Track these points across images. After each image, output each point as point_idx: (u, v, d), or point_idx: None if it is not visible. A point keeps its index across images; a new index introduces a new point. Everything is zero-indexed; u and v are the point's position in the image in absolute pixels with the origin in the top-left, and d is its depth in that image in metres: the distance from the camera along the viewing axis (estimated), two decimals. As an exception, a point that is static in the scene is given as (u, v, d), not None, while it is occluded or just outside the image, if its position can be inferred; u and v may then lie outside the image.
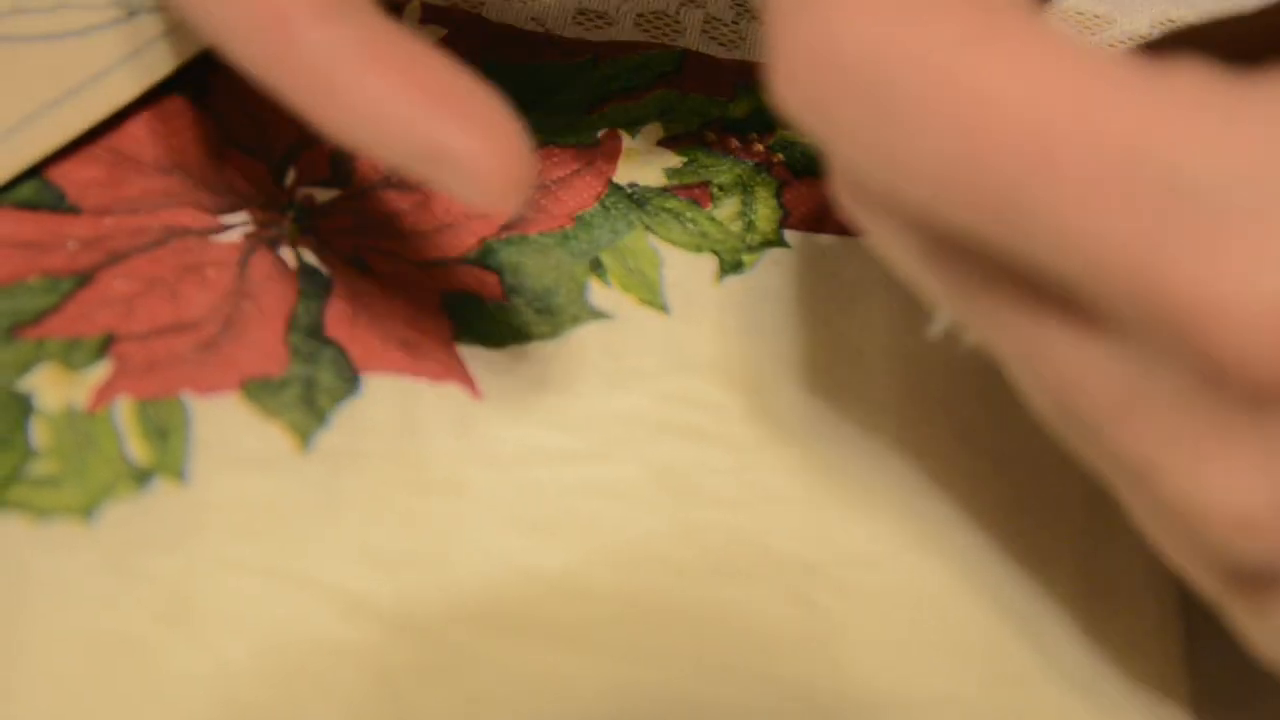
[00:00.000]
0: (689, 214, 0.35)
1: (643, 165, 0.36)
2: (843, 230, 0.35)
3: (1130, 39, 0.38)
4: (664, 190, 0.35)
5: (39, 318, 0.32)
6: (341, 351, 0.33)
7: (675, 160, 0.36)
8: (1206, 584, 0.25)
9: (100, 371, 0.32)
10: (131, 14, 0.36)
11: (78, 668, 0.28)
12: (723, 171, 0.36)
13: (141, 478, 0.31)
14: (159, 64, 0.35)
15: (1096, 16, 0.38)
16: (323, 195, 0.35)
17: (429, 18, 0.37)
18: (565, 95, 0.37)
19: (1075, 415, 0.23)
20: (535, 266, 0.34)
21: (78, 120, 0.34)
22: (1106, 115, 0.21)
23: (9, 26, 0.35)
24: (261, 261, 0.34)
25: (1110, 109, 0.21)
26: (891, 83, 0.22)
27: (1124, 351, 0.22)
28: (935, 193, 0.22)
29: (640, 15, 0.38)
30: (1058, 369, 0.23)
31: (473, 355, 0.33)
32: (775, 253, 0.35)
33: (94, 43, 0.35)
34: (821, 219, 0.35)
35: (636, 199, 0.35)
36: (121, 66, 0.35)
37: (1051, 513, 0.31)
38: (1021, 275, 0.23)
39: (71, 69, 0.35)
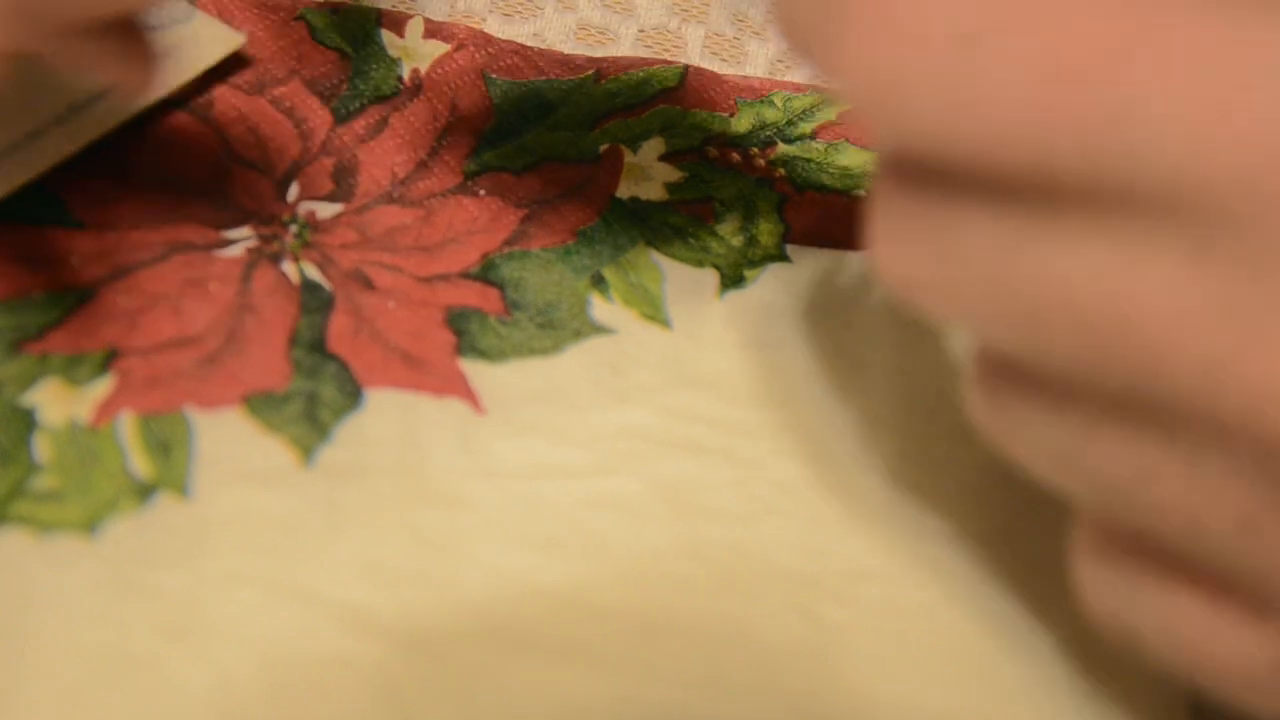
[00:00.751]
0: (691, 229, 0.35)
1: (644, 180, 0.36)
2: (843, 245, 0.35)
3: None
4: (666, 205, 0.35)
5: (42, 332, 0.32)
6: (344, 366, 0.33)
7: (677, 175, 0.36)
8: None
9: (103, 386, 0.32)
10: None
11: (81, 682, 0.28)
12: (725, 186, 0.36)
13: (144, 493, 0.31)
14: (163, 80, 0.35)
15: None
16: (325, 210, 0.35)
17: (432, 33, 0.38)
18: (567, 111, 0.37)
19: (1193, 537, 0.23)
20: (537, 281, 0.34)
21: (81, 136, 0.35)
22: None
23: None
24: (264, 276, 0.34)
25: None
26: None
27: (1247, 466, 0.22)
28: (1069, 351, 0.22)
29: (641, 30, 0.38)
30: (1172, 498, 0.23)
31: (475, 370, 0.33)
32: (777, 267, 0.35)
33: None
34: (823, 233, 0.35)
35: (639, 214, 0.35)
36: None
37: (1050, 524, 0.31)
38: (1142, 409, 0.23)
39: (75, 84, 0.35)
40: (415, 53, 0.37)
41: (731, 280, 0.35)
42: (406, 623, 0.29)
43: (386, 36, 0.37)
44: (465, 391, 0.33)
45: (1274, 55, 0.20)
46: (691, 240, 0.35)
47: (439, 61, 0.37)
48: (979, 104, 0.22)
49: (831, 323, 0.34)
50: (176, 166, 0.35)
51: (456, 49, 0.37)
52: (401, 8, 0.38)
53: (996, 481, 0.32)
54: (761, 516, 0.31)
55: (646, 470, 0.32)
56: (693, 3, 0.39)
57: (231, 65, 0.36)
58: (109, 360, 0.32)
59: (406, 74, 0.37)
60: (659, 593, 0.30)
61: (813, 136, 0.36)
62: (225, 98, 0.36)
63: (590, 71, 0.37)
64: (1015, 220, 0.22)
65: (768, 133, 0.37)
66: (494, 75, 0.37)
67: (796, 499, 0.31)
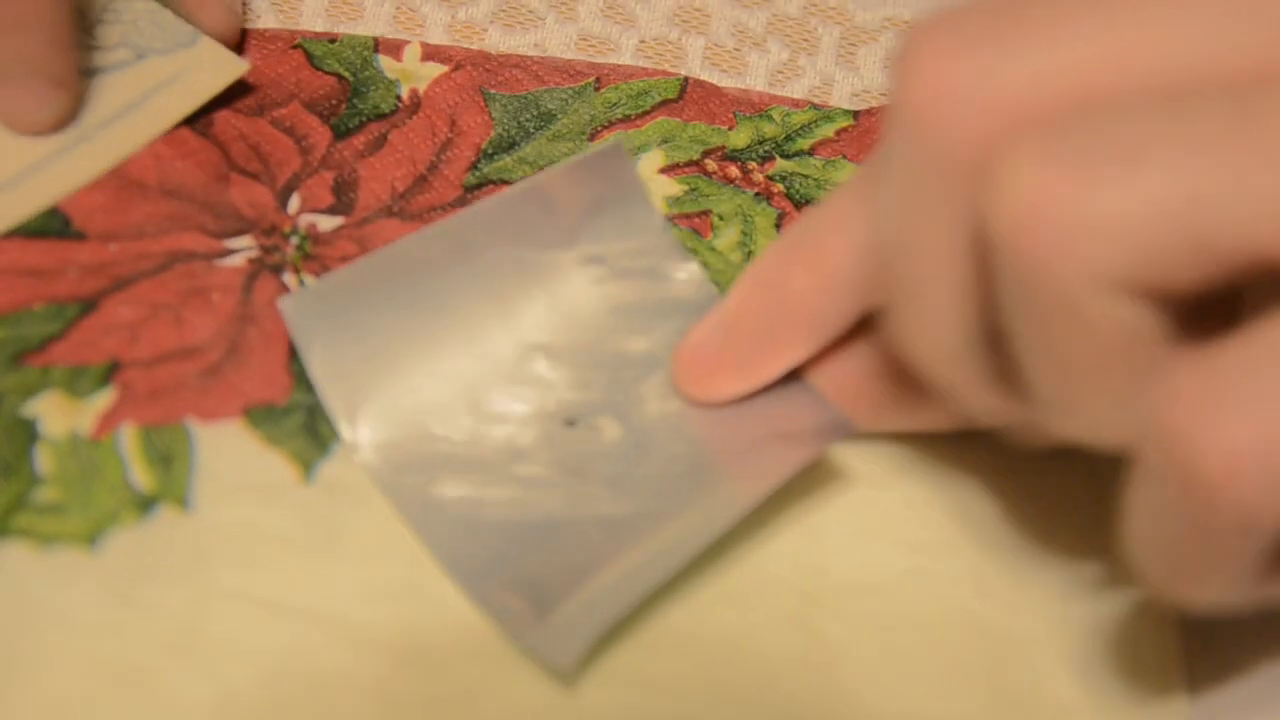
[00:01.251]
0: (690, 244, 0.35)
1: (644, 194, 0.36)
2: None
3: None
4: (666, 218, 0.35)
5: (44, 345, 0.32)
6: (344, 379, 0.33)
7: (676, 189, 0.36)
8: None
9: (105, 398, 0.32)
10: (140, 56, 0.36)
11: (82, 696, 0.29)
12: (723, 201, 0.36)
13: (145, 505, 0.31)
14: (169, 108, 0.35)
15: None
16: (326, 223, 0.35)
17: (429, 56, 0.38)
18: (567, 121, 0.37)
19: None
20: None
21: (91, 164, 0.35)
22: None
23: None
24: (265, 287, 0.34)
25: None
26: None
27: None
28: None
29: (642, 41, 0.38)
30: None
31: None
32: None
33: (105, 85, 0.36)
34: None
35: (637, 229, 0.35)
36: (132, 110, 0.35)
37: (1046, 534, 0.32)
38: None
39: (84, 112, 0.35)
40: (413, 74, 0.37)
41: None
42: (407, 639, 0.30)
43: (384, 62, 0.37)
44: (464, 405, 0.33)
45: None
46: (690, 254, 0.35)
47: (437, 80, 0.37)
48: None
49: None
50: (177, 176, 0.35)
51: (454, 69, 0.37)
52: (403, 17, 0.38)
53: (992, 491, 0.32)
54: (759, 529, 0.31)
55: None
56: (693, 14, 0.39)
57: (232, 92, 0.36)
58: (111, 372, 0.32)
59: (405, 93, 0.37)
60: (657, 605, 0.30)
61: (810, 153, 0.36)
62: (226, 119, 0.36)
63: (591, 78, 0.37)
64: None
65: (766, 148, 0.37)
66: (493, 90, 0.37)
67: (793, 511, 0.32)
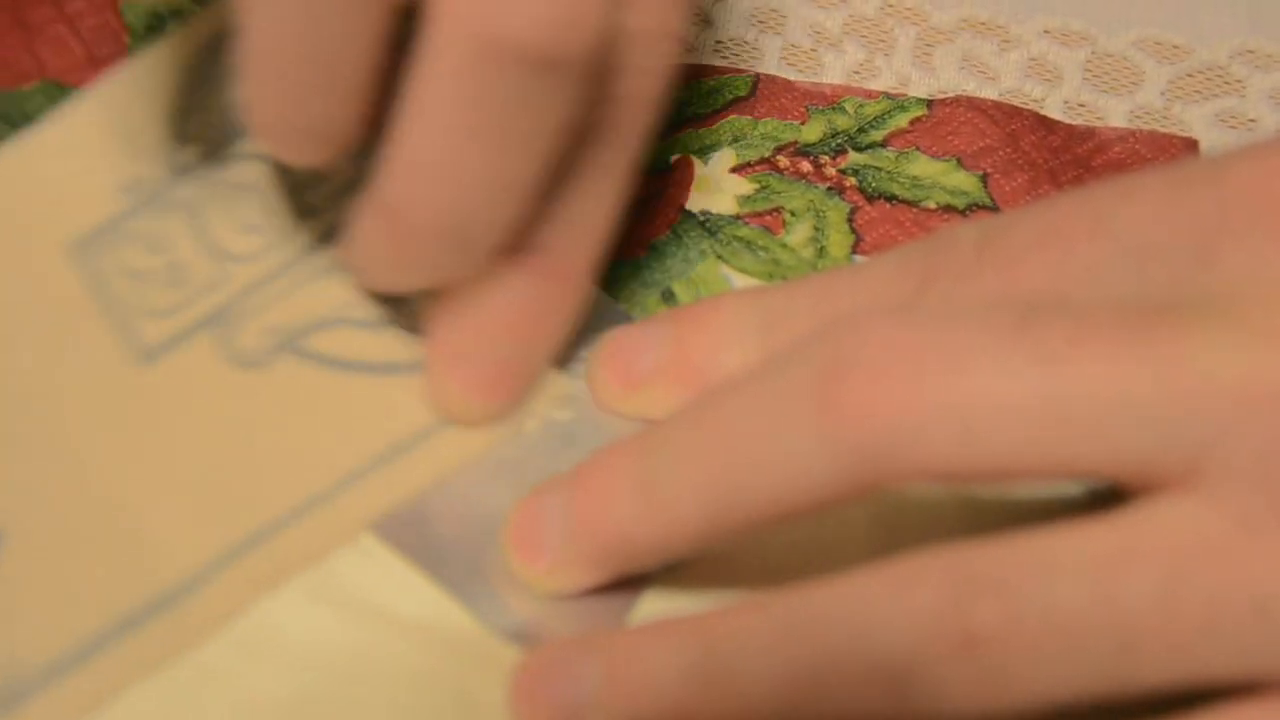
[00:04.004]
0: (761, 242, 0.35)
1: (714, 193, 0.36)
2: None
3: (1209, 69, 0.37)
4: (736, 218, 0.35)
5: None
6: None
7: (747, 187, 0.36)
8: None
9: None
10: None
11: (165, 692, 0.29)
12: (795, 197, 0.36)
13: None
14: None
15: (1175, 47, 0.38)
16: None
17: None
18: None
19: None
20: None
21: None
22: None
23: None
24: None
25: None
26: None
27: None
28: None
29: (719, 41, 0.38)
30: None
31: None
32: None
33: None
34: (892, 244, 0.35)
35: (709, 227, 0.35)
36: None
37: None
38: None
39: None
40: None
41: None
42: (484, 641, 0.30)
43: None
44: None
45: None
46: (761, 253, 0.35)
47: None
48: None
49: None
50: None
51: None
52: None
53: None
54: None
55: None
56: (769, 14, 0.39)
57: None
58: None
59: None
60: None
61: (884, 144, 0.36)
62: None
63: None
64: None
65: (838, 140, 0.36)
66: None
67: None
